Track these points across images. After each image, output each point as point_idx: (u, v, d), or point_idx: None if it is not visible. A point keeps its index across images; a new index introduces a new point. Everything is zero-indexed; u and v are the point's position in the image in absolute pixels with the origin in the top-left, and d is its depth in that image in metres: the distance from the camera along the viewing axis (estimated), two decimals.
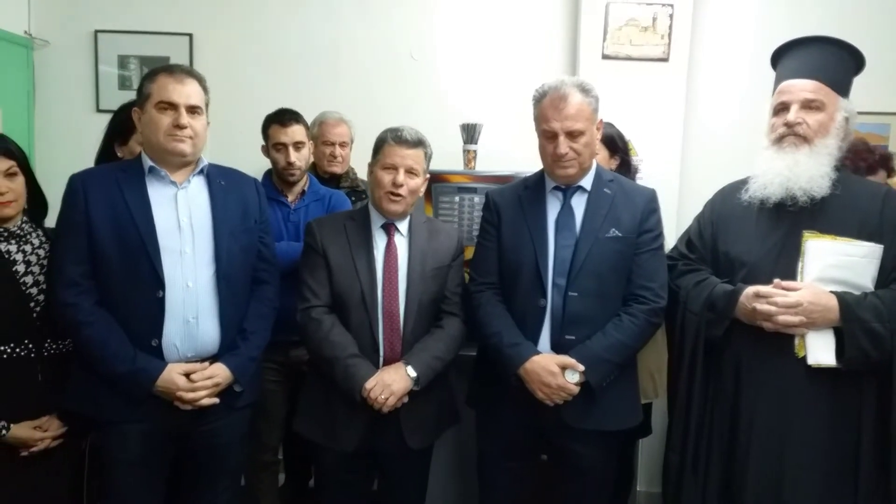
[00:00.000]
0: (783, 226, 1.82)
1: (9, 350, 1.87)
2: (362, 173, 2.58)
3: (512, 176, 2.57)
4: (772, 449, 1.76)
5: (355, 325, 1.98)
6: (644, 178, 2.95)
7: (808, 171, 1.78)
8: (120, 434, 1.85)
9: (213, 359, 1.91)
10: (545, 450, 2.15)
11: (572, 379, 1.88)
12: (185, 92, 1.85)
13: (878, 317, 1.68)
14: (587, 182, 2.00)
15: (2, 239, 1.91)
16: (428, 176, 2.10)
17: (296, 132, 2.54)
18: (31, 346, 1.90)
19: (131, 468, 1.87)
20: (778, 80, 1.91)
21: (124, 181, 1.86)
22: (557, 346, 1.93)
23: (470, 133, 2.92)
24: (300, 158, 2.54)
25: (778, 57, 1.95)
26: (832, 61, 1.84)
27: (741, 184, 1.93)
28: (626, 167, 2.50)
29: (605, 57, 3.10)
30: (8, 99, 3.12)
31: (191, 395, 1.83)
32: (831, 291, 1.73)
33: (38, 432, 1.90)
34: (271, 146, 2.56)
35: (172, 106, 1.83)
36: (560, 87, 1.90)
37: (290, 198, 2.57)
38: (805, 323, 1.71)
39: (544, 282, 1.93)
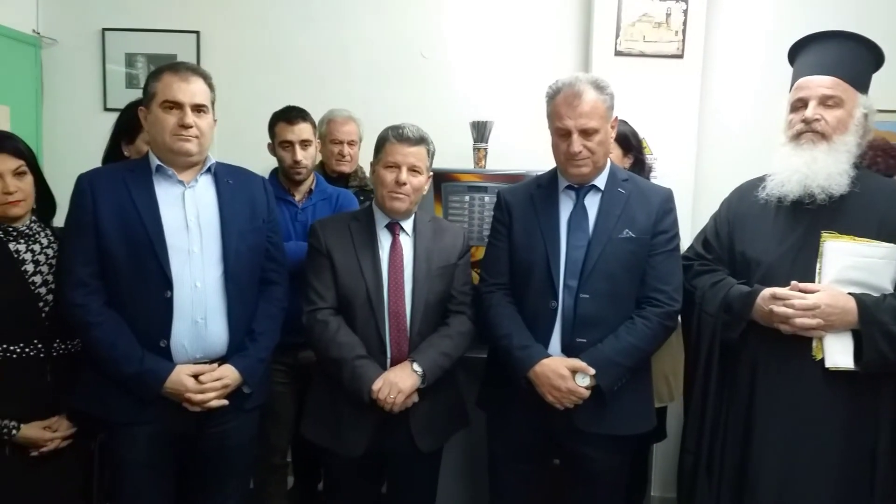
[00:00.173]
0: (801, 225, 1.80)
1: (18, 350, 1.87)
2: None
3: (523, 175, 2.55)
4: (787, 452, 1.73)
5: (361, 326, 1.97)
6: (658, 177, 2.92)
7: (827, 168, 1.76)
8: (129, 435, 1.84)
9: (221, 360, 1.90)
10: (557, 453, 2.13)
11: (583, 383, 1.86)
12: (191, 91, 1.83)
13: None
14: (601, 181, 1.97)
15: (10, 238, 1.91)
16: (431, 173, 2.08)
17: (302, 130, 2.53)
18: (40, 346, 1.90)
19: (140, 469, 1.86)
20: (795, 77, 1.89)
21: (132, 181, 1.85)
22: (568, 349, 1.91)
23: (480, 131, 2.90)
24: (307, 157, 2.52)
25: (795, 52, 1.92)
26: (851, 57, 1.81)
27: (758, 182, 1.91)
28: (639, 166, 2.47)
29: (617, 53, 3.07)
30: (16, 97, 3.13)
31: (199, 397, 1.82)
32: (849, 293, 1.70)
33: (47, 432, 1.90)
34: (278, 144, 2.55)
35: (177, 105, 1.82)
36: (574, 84, 1.87)
37: (298, 197, 2.56)
38: (823, 326, 1.68)
39: (555, 283, 1.91)
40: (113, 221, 1.81)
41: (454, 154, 2.92)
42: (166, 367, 1.81)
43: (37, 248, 1.94)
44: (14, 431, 1.85)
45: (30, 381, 1.88)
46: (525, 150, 2.83)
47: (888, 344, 1.65)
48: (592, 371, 1.85)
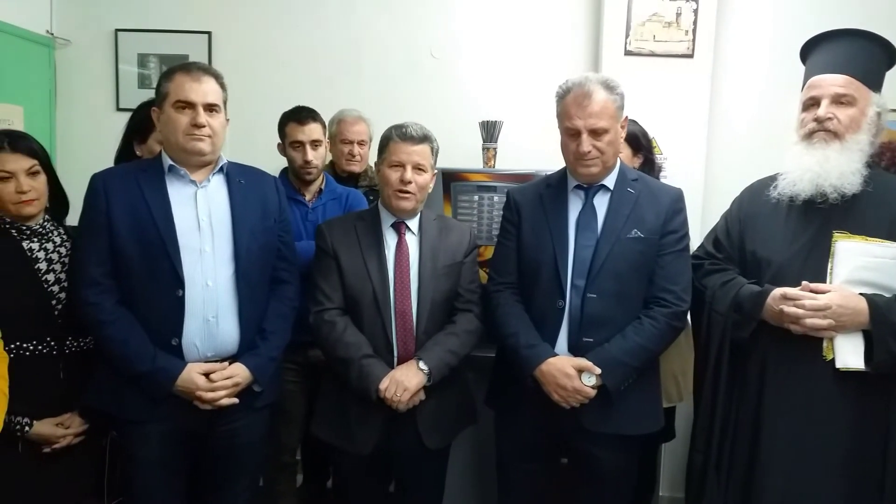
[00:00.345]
0: (813, 225, 1.79)
1: (31, 347, 1.88)
2: None
3: (532, 174, 2.55)
4: (796, 452, 1.73)
5: (368, 326, 1.98)
6: (668, 177, 2.91)
7: (839, 167, 1.75)
8: (141, 433, 1.86)
9: (232, 358, 1.91)
10: (565, 453, 2.13)
11: (589, 382, 1.86)
12: (203, 90, 1.84)
13: None
14: (610, 181, 1.97)
15: (24, 237, 1.93)
16: (436, 171, 2.08)
17: (313, 130, 2.53)
18: (53, 343, 1.91)
19: (152, 467, 1.87)
20: (807, 75, 1.88)
21: (144, 180, 1.86)
22: (575, 348, 1.91)
23: (490, 131, 2.90)
24: (317, 157, 2.53)
25: (807, 51, 1.91)
26: (863, 55, 1.80)
27: (770, 181, 1.90)
28: (649, 165, 2.46)
29: (627, 53, 3.06)
30: (30, 97, 3.15)
31: (210, 395, 1.83)
32: (861, 294, 1.69)
33: (59, 429, 1.92)
34: (288, 144, 2.56)
35: (190, 105, 1.83)
36: (584, 84, 1.87)
37: (308, 196, 2.57)
38: (834, 326, 1.68)
39: (563, 282, 1.91)
40: (126, 221, 1.82)
41: (463, 154, 2.92)
42: (178, 365, 1.82)
43: (50, 246, 1.95)
44: (27, 428, 1.86)
45: (43, 378, 1.90)
46: (534, 150, 2.82)
47: None
48: (598, 370, 1.85)
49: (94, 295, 1.81)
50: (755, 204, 1.93)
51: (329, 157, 2.85)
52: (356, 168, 2.87)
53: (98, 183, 1.86)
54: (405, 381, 1.91)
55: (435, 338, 2.00)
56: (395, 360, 1.98)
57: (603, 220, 1.93)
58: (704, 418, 1.90)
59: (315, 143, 2.53)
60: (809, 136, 1.79)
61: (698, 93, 3.06)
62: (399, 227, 2.04)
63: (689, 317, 2.02)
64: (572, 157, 1.92)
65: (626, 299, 1.91)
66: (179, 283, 1.81)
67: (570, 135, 1.91)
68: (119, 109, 3.33)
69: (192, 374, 1.82)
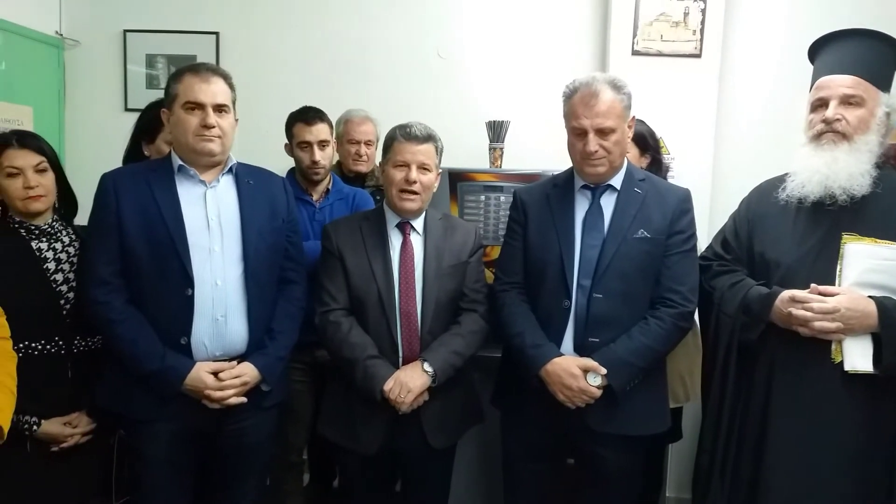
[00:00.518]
0: (821, 227, 1.78)
1: (39, 347, 1.89)
2: None
3: (539, 174, 2.54)
4: (803, 454, 1.72)
5: (373, 326, 1.98)
6: (676, 177, 2.91)
7: (848, 168, 1.74)
8: (150, 432, 1.87)
9: (241, 358, 1.91)
10: (571, 453, 2.12)
11: (594, 382, 1.85)
12: (212, 91, 1.85)
13: None
14: (617, 181, 1.96)
15: (32, 237, 1.94)
16: (440, 170, 2.08)
17: (320, 130, 2.54)
18: (61, 343, 1.92)
19: (160, 466, 1.88)
20: (815, 76, 1.87)
21: (154, 180, 1.87)
22: (581, 349, 1.91)
23: (496, 131, 2.89)
24: (325, 157, 2.54)
25: (815, 51, 1.90)
26: (871, 55, 1.79)
27: (778, 182, 1.89)
28: (657, 165, 2.46)
29: (635, 53, 3.05)
30: (39, 98, 3.17)
31: (219, 394, 1.84)
32: (870, 296, 1.68)
33: (67, 428, 1.93)
34: (296, 145, 2.56)
35: (199, 106, 1.84)
36: (591, 84, 1.87)
37: (315, 197, 2.57)
38: (842, 329, 1.67)
39: (569, 282, 1.90)
40: (136, 220, 1.83)
41: (470, 154, 2.92)
42: (186, 364, 1.83)
43: (58, 246, 1.96)
44: (35, 427, 1.87)
45: (51, 377, 1.91)
46: (541, 150, 2.82)
47: None
48: (604, 370, 1.85)
49: (104, 294, 1.82)
50: (764, 205, 1.92)
51: (336, 158, 2.86)
52: (363, 168, 2.87)
53: (108, 182, 1.87)
54: (409, 382, 1.91)
55: (440, 338, 2.00)
56: (401, 360, 1.98)
57: (609, 220, 1.93)
58: (711, 419, 1.90)
59: (322, 144, 2.53)
60: (818, 137, 1.78)
61: (706, 93, 3.05)
62: (404, 227, 2.04)
63: (696, 317, 2.01)
64: (579, 156, 1.92)
65: (633, 299, 1.91)
66: (189, 282, 1.82)
67: (576, 134, 1.91)
68: (127, 110, 3.34)
69: (200, 373, 1.83)
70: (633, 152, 2.36)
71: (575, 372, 1.85)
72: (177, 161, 1.89)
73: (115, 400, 1.88)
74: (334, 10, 3.31)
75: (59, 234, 1.98)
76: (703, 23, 3.01)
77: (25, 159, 1.90)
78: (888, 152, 1.85)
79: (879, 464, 1.69)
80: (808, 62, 1.92)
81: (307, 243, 2.28)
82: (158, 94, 2.05)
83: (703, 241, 2.21)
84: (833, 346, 1.71)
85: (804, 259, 1.78)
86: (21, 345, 1.83)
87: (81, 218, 2.07)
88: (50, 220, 1.98)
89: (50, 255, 1.94)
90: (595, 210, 1.95)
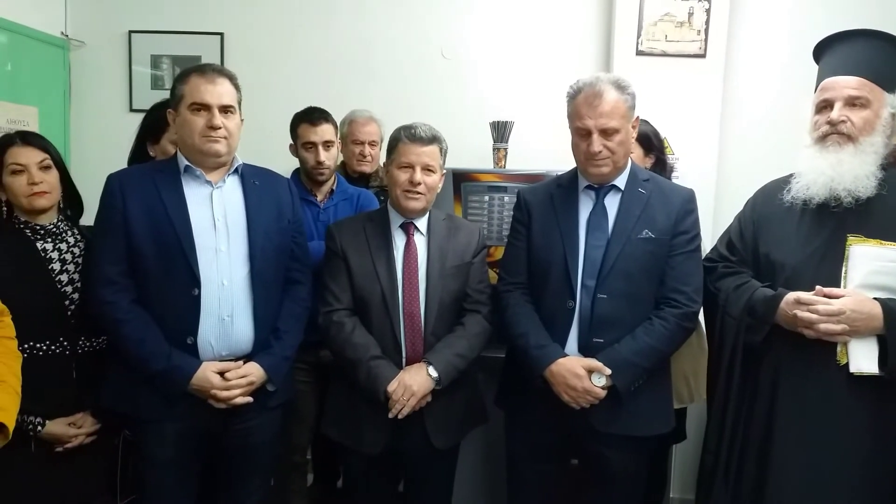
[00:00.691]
0: (826, 229, 1.77)
1: (44, 347, 1.90)
2: None
3: (543, 174, 2.54)
4: (808, 456, 1.71)
5: (377, 327, 1.98)
6: (680, 177, 2.90)
7: (853, 170, 1.73)
8: (156, 432, 1.87)
9: (246, 358, 1.92)
10: (575, 453, 2.12)
11: (599, 382, 1.85)
12: (217, 92, 1.85)
13: None
14: (621, 181, 1.96)
15: (38, 237, 1.94)
16: (445, 172, 2.09)
17: (325, 131, 2.54)
18: (66, 343, 1.93)
19: (166, 465, 1.89)
20: (820, 77, 1.86)
21: (161, 181, 1.88)
22: (585, 349, 1.91)
23: (500, 131, 2.89)
24: (329, 158, 2.54)
25: (820, 52, 1.90)
26: (877, 55, 1.78)
27: (783, 183, 1.88)
28: (661, 166, 2.45)
29: (639, 53, 3.04)
30: (44, 98, 3.18)
31: (225, 394, 1.84)
32: (875, 298, 1.68)
33: (72, 429, 1.93)
34: (300, 145, 2.56)
35: (205, 107, 1.84)
36: (595, 84, 1.86)
37: (319, 197, 2.58)
38: (848, 331, 1.66)
39: (573, 283, 1.90)
40: (142, 220, 1.83)
41: (474, 154, 2.93)
42: (193, 364, 1.83)
43: (63, 246, 1.97)
44: (39, 428, 1.88)
45: (55, 378, 1.91)
46: (545, 151, 2.82)
47: None
48: (608, 371, 1.85)
49: (110, 294, 1.83)
50: (769, 206, 1.91)
51: (340, 158, 2.86)
52: (367, 168, 2.87)
53: (114, 183, 1.87)
54: (413, 385, 1.91)
55: (444, 340, 2.00)
56: (404, 360, 1.98)
57: (614, 221, 1.93)
58: (716, 421, 1.89)
59: (327, 144, 2.54)
60: (823, 138, 1.78)
61: (710, 93, 3.05)
62: (408, 228, 2.05)
63: (701, 318, 2.01)
64: (583, 157, 1.92)
65: (637, 300, 1.91)
66: (195, 282, 1.83)
67: (580, 135, 1.91)
68: (132, 110, 3.35)
69: (207, 373, 1.83)
70: (637, 152, 2.36)
71: (579, 372, 1.85)
72: (183, 161, 1.90)
73: (121, 400, 1.89)
74: (339, 10, 3.32)
75: (64, 235, 1.99)
76: (707, 23, 3.00)
77: (29, 156, 1.91)
78: (894, 153, 1.84)
79: (884, 466, 1.68)
80: (813, 62, 1.92)
81: (311, 244, 2.28)
82: (163, 94, 2.06)
83: (707, 242, 2.21)
84: (838, 348, 1.70)
85: (809, 261, 1.77)
86: (26, 345, 1.84)
87: (87, 218, 2.08)
88: (55, 221, 1.98)
89: (55, 255, 1.94)
90: (599, 210, 1.95)
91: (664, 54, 3.04)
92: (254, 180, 1.98)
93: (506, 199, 2.70)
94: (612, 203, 1.96)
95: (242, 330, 1.90)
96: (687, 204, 1.96)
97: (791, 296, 1.72)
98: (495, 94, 3.25)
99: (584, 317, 1.90)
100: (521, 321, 1.97)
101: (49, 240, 1.95)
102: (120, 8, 3.37)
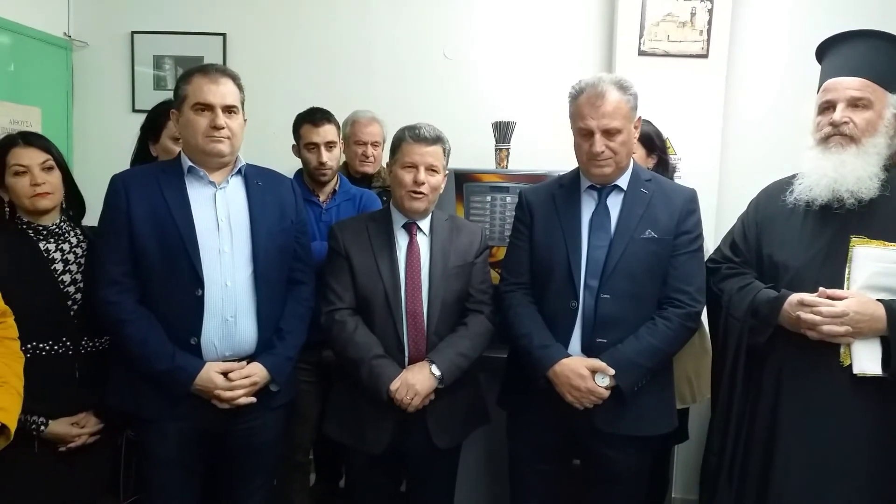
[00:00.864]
0: (830, 230, 1.77)
1: (47, 347, 1.90)
2: None
3: (545, 175, 2.54)
4: (812, 457, 1.71)
5: (380, 326, 1.99)
6: (682, 178, 2.90)
7: (856, 171, 1.73)
8: (159, 432, 1.87)
9: (250, 358, 1.92)
10: (577, 454, 2.12)
11: (602, 383, 1.86)
12: (221, 92, 1.86)
13: None
14: (623, 181, 1.96)
15: (40, 237, 1.94)
16: (447, 172, 2.09)
17: (327, 132, 2.54)
18: (68, 343, 1.93)
19: (170, 465, 1.89)
20: (823, 78, 1.86)
21: (164, 181, 1.88)
22: (588, 349, 1.90)
23: (502, 132, 2.89)
24: (332, 158, 2.54)
25: (823, 52, 1.89)
26: (879, 56, 1.78)
27: (786, 184, 1.88)
28: (663, 166, 2.45)
29: (641, 53, 3.04)
30: (47, 99, 3.19)
31: (228, 394, 1.85)
32: (878, 299, 1.68)
33: (75, 428, 1.93)
34: (303, 146, 2.57)
35: (209, 107, 1.85)
36: (597, 84, 1.86)
37: (322, 198, 2.58)
38: (851, 332, 1.66)
39: (576, 283, 1.90)
40: (146, 221, 1.84)
41: (476, 154, 2.92)
42: (196, 364, 1.84)
43: (66, 247, 1.97)
44: (43, 427, 1.88)
45: (58, 378, 1.91)
46: (547, 151, 2.82)
47: None
48: (612, 371, 1.85)
49: (115, 294, 1.83)
50: (772, 207, 1.91)
51: (343, 159, 2.86)
52: (370, 169, 2.87)
53: (118, 183, 1.87)
54: (417, 384, 1.91)
55: (447, 339, 2.00)
56: (406, 360, 1.98)
57: (616, 221, 1.93)
58: (720, 422, 1.89)
59: (329, 145, 2.54)
60: (825, 140, 1.78)
61: (713, 93, 3.05)
62: (410, 228, 2.05)
63: (703, 318, 2.01)
64: (585, 157, 1.92)
65: (640, 300, 1.91)
66: (199, 282, 1.83)
67: (583, 135, 1.91)
68: (135, 111, 3.36)
69: (210, 374, 1.83)
70: (639, 153, 2.36)
71: (583, 373, 1.85)
72: (186, 162, 1.90)
73: (125, 400, 1.89)
74: (341, 11, 3.32)
75: (66, 235, 1.99)
76: (709, 23, 3.00)
77: (31, 157, 1.91)
78: None
79: (888, 466, 1.68)
80: (816, 62, 1.92)
81: (314, 244, 2.28)
82: (166, 95, 2.07)
83: (710, 242, 2.21)
84: (842, 350, 1.70)
85: (812, 262, 1.77)
86: (29, 345, 1.84)
87: (89, 219, 2.08)
88: (58, 221, 1.99)
89: (58, 255, 1.95)
90: (602, 210, 1.95)
91: (666, 54, 3.04)
92: (257, 181, 1.98)
93: (508, 199, 2.70)
94: (614, 203, 1.96)
95: (246, 330, 1.90)
96: (689, 204, 1.96)
97: (794, 297, 1.72)
98: (497, 94, 3.25)
99: (587, 317, 1.90)
100: (524, 321, 1.97)
101: (51, 240, 1.96)
102: (122, 8, 3.38)
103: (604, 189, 1.96)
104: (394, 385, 1.91)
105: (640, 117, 1.96)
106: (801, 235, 1.81)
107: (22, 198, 1.90)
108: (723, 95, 3.06)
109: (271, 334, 1.95)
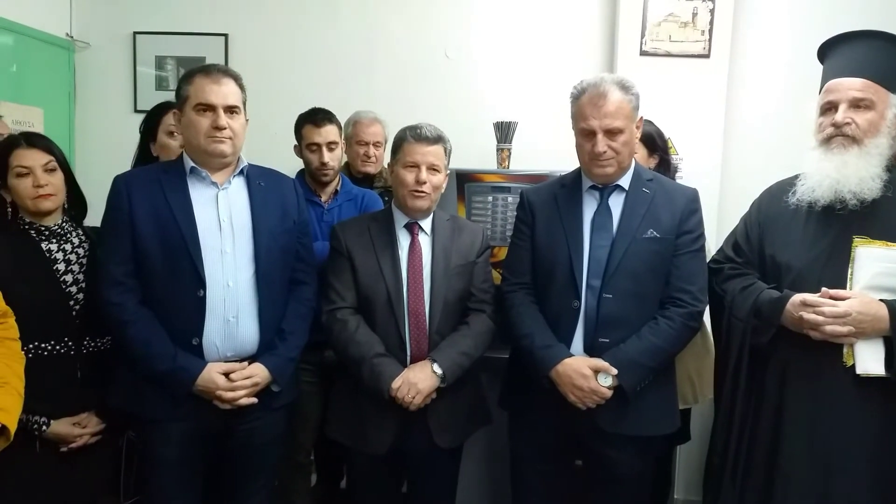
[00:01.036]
0: (832, 231, 1.77)
1: (49, 347, 1.90)
2: None
3: (546, 175, 2.54)
4: (817, 457, 1.71)
5: (382, 325, 1.99)
6: (684, 178, 2.90)
7: (858, 172, 1.72)
8: (162, 432, 1.87)
9: (251, 358, 1.92)
10: (579, 454, 2.12)
11: (605, 382, 1.85)
12: (223, 92, 1.86)
13: None
14: (625, 181, 1.96)
15: (42, 238, 1.95)
16: (448, 172, 2.09)
17: (329, 132, 2.54)
18: (70, 343, 1.93)
19: (171, 465, 1.89)
20: (825, 78, 1.86)
21: (167, 182, 1.88)
22: (591, 349, 1.90)
23: (504, 132, 2.89)
24: (333, 158, 2.54)
25: (825, 52, 1.89)
26: (881, 56, 1.78)
27: (788, 185, 1.88)
28: (665, 166, 2.45)
29: (643, 53, 3.05)
30: (49, 99, 3.20)
31: (230, 395, 1.85)
32: (881, 300, 1.67)
33: (76, 429, 1.94)
34: (305, 146, 2.56)
35: (210, 107, 1.85)
36: (599, 84, 1.86)
37: (324, 198, 2.58)
38: (854, 333, 1.66)
39: (578, 283, 1.90)
40: (148, 222, 1.84)
41: (477, 154, 2.92)
42: (198, 364, 1.84)
43: (68, 247, 1.97)
44: (44, 427, 1.88)
45: (60, 378, 1.91)
46: (549, 151, 2.82)
47: None
48: (615, 371, 1.84)
49: (117, 295, 1.83)
50: (774, 208, 1.91)
51: (344, 159, 2.86)
52: (371, 169, 2.87)
53: (121, 184, 1.88)
54: (419, 383, 1.92)
55: (449, 338, 2.01)
56: (408, 359, 1.99)
57: (618, 221, 1.93)
58: (723, 422, 1.89)
59: (331, 145, 2.53)
60: (827, 141, 1.77)
61: (714, 93, 3.05)
62: (412, 228, 2.05)
63: (706, 318, 2.01)
64: (587, 157, 1.92)
65: (642, 299, 1.91)
66: (201, 283, 1.83)
67: (585, 135, 1.91)
68: (137, 111, 3.36)
69: (212, 374, 1.83)
70: (641, 153, 2.36)
71: (586, 372, 1.85)
72: (189, 163, 1.90)
73: (129, 400, 1.89)
74: (343, 11, 3.32)
75: (68, 235, 1.99)
76: (711, 23, 3.00)
77: (34, 158, 1.91)
78: None
79: (892, 467, 1.68)
80: (818, 62, 1.91)
81: (315, 244, 2.28)
82: (168, 95, 2.07)
83: (712, 242, 2.21)
84: (845, 350, 1.70)
85: (815, 263, 1.77)
86: (31, 345, 1.85)
87: (91, 219, 2.08)
88: (59, 221, 1.99)
89: (60, 255, 1.95)
90: (604, 210, 1.95)
91: (668, 55, 3.04)
92: (259, 181, 1.98)
93: (509, 199, 2.69)
94: (616, 203, 1.96)
95: (247, 331, 1.90)
96: (691, 203, 1.96)
97: (797, 297, 1.72)
98: (499, 94, 3.26)
99: (589, 317, 1.90)
100: (526, 321, 1.97)
101: (54, 240, 1.96)
102: (124, 9, 3.38)
103: (606, 189, 1.96)
104: (395, 384, 1.91)
105: (641, 117, 1.96)
106: (804, 236, 1.81)
107: (24, 199, 1.91)
108: (724, 95, 3.05)
109: (273, 335, 1.95)
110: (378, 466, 2.07)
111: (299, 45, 3.34)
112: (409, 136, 2.01)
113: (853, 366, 1.68)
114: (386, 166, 2.92)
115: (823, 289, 1.69)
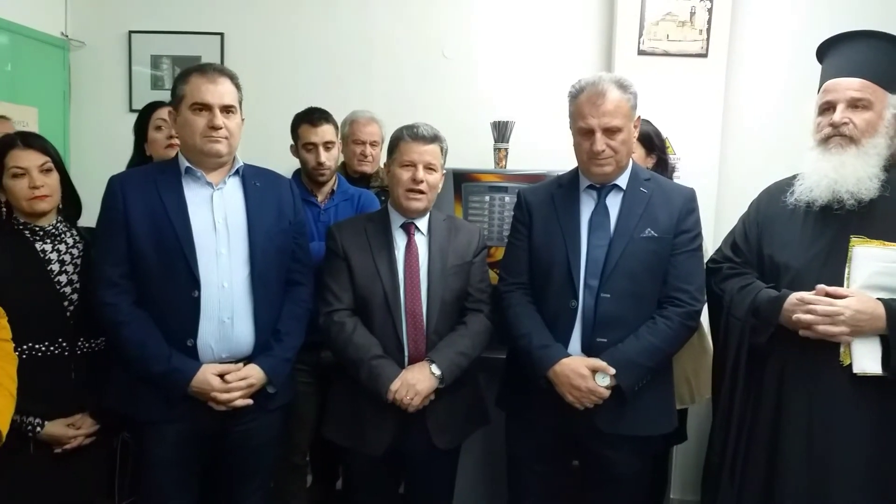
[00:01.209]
0: (830, 230, 1.77)
1: (43, 348, 1.89)
2: None
3: (544, 175, 2.53)
4: (816, 458, 1.71)
5: (379, 326, 1.98)
6: (681, 177, 2.90)
7: (856, 172, 1.73)
8: (157, 434, 1.87)
9: (247, 360, 1.91)
10: (577, 454, 2.12)
11: (603, 382, 1.85)
12: (219, 92, 1.85)
13: None
14: (623, 181, 1.96)
15: (37, 238, 1.94)
16: (444, 171, 2.09)
17: (326, 132, 2.53)
18: (64, 344, 1.92)
19: (167, 467, 1.88)
20: (823, 78, 1.86)
21: (162, 183, 1.87)
22: (588, 349, 1.90)
23: (501, 131, 2.89)
24: (330, 158, 2.53)
25: (823, 52, 1.89)
26: (879, 57, 1.78)
27: (786, 185, 1.88)
28: (662, 166, 2.45)
29: (641, 53, 3.04)
30: (44, 98, 3.19)
31: (225, 396, 1.84)
32: (878, 299, 1.67)
33: (71, 430, 1.93)
34: (301, 146, 2.56)
35: (206, 107, 1.84)
36: (597, 83, 1.86)
37: (320, 198, 2.57)
38: (850, 332, 1.66)
39: (576, 282, 1.90)
40: (143, 222, 1.83)
41: (475, 154, 2.92)
42: (193, 366, 1.83)
43: (62, 247, 1.96)
44: (38, 429, 1.87)
45: (54, 379, 1.90)
46: (546, 151, 2.81)
47: None
48: (613, 371, 1.84)
49: (112, 296, 1.82)
50: (772, 208, 1.91)
51: (341, 158, 2.85)
52: (368, 169, 2.87)
53: (116, 185, 1.87)
54: (417, 384, 1.91)
55: (447, 338, 2.00)
56: (406, 359, 1.98)
57: (616, 220, 1.93)
58: (722, 422, 1.89)
59: (328, 145, 2.53)
60: (825, 141, 1.77)
61: (712, 93, 3.05)
62: (408, 228, 2.05)
63: (703, 318, 2.00)
64: (586, 156, 1.92)
65: (640, 299, 1.91)
66: (195, 284, 1.82)
67: (583, 134, 1.90)
68: (132, 111, 3.34)
69: (206, 375, 1.83)
70: (638, 152, 2.36)
71: (583, 372, 1.85)
72: (184, 163, 1.89)
73: (123, 401, 1.89)
74: (340, 10, 3.32)
75: (63, 236, 1.98)
76: (709, 22, 3.00)
77: (30, 159, 1.90)
78: None
79: (890, 465, 1.68)
80: (816, 62, 1.91)
81: (312, 245, 2.27)
82: (164, 94, 2.06)
83: (709, 242, 2.20)
84: (841, 349, 1.70)
85: (813, 262, 1.77)
86: (25, 346, 1.84)
87: (86, 219, 2.07)
88: (54, 222, 1.98)
89: (54, 256, 1.94)
90: (601, 210, 1.95)
91: (666, 54, 3.03)
92: (255, 181, 1.97)
93: (506, 199, 2.69)
94: (613, 203, 1.95)
95: (243, 332, 1.90)
96: (689, 203, 1.95)
97: (794, 296, 1.72)
98: (496, 93, 3.25)
99: (587, 316, 1.90)
100: (524, 321, 1.97)
101: (48, 241, 1.95)
102: (120, 8, 3.37)
103: (603, 188, 1.96)
104: (394, 385, 1.90)
105: (639, 116, 1.96)
106: (802, 236, 1.81)
107: (20, 200, 1.90)
108: (722, 95, 3.05)
109: (268, 336, 1.95)
110: (376, 467, 2.06)
111: (296, 45, 3.33)
112: (406, 136, 2.00)
113: (850, 365, 1.68)
114: (382, 166, 2.92)
115: (819, 286, 1.69)
